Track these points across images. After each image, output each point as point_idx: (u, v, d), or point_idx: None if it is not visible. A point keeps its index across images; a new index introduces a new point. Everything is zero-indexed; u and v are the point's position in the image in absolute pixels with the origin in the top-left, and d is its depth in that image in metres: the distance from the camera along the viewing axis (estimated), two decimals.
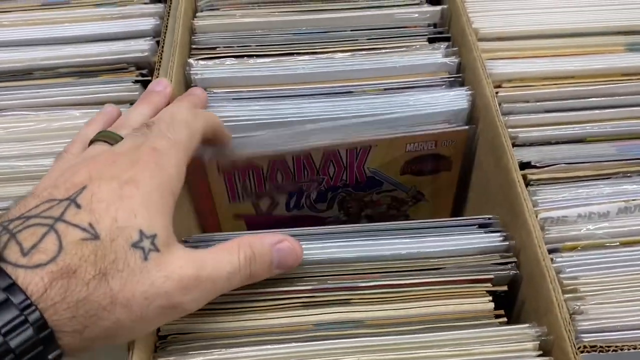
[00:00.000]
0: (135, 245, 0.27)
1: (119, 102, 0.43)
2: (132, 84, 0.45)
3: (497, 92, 0.44)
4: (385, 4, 0.47)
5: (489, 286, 0.34)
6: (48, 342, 0.24)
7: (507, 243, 0.35)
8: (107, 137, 0.32)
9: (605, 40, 0.48)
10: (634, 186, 0.40)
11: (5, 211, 0.28)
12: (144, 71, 0.46)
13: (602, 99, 0.44)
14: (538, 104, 0.44)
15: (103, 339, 0.26)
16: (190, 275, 0.28)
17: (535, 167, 0.41)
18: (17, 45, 0.49)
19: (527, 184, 0.40)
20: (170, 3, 0.49)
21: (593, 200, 0.39)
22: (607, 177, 0.41)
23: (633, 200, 0.39)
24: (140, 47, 0.47)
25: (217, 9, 0.46)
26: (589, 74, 0.46)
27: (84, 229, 0.26)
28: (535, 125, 0.43)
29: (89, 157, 0.31)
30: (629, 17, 0.49)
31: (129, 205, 0.27)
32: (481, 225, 0.36)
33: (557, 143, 0.43)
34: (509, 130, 0.42)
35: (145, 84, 0.45)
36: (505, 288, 0.34)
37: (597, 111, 0.44)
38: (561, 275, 0.36)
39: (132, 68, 0.47)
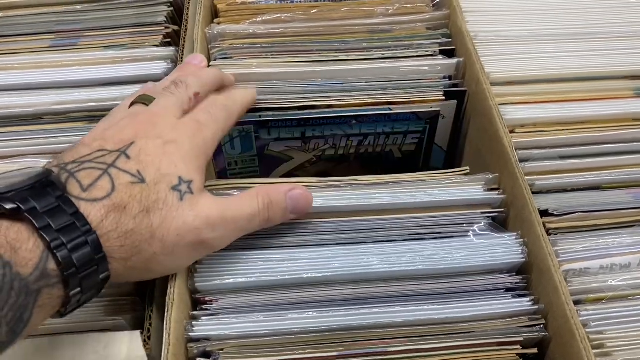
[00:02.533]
0: (174, 188, 0.31)
1: None
2: None
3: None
4: (400, 55, 0.45)
5: (518, 349, 0.32)
6: (101, 263, 0.28)
7: (537, 307, 0.33)
8: (143, 100, 0.35)
9: (613, 85, 0.47)
10: None
11: (57, 156, 0.31)
12: None
13: (615, 145, 0.43)
14: (553, 150, 0.43)
15: (141, 270, 0.30)
16: (216, 215, 0.31)
17: (553, 215, 0.39)
18: (26, 88, 0.47)
19: (547, 233, 0.38)
20: (183, 48, 0.46)
21: (614, 251, 0.38)
22: (625, 225, 0.39)
23: None
24: None
25: (231, 57, 0.44)
26: (601, 120, 0.44)
27: (133, 175, 0.30)
28: (552, 172, 0.42)
29: (131, 115, 0.34)
30: (635, 62, 0.48)
31: (170, 159, 0.31)
32: (508, 289, 0.34)
33: (572, 190, 0.42)
34: (526, 178, 0.40)
35: None
36: (535, 350, 0.32)
37: (611, 158, 0.42)
38: (587, 330, 0.34)
39: None
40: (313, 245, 0.34)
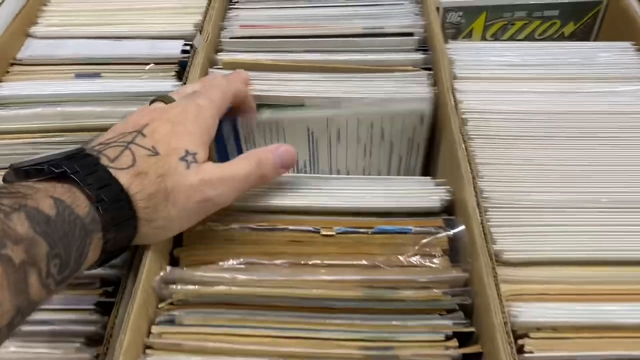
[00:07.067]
0: (182, 158, 0.35)
1: None
2: None
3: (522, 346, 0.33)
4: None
5: None
6: (132, 219, 0.32)
7: None
8: (163, 98, 0.41)
9: None
10: None
11: (86, 143, 0.36)
12: None
13: None
14: None
15: (162, 228, 0.35)
16: (217, 176, 0.36)
17: None
18: None
19: None
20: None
21: None
22: None
23: None
24: None
25: None
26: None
27: (149, 149, 0.35)
28: None
29: (149, 109, 0.39)
30: None
31: (178, 136, 0.36)
32: None
33: None
34: None
35: None
36: None
37: None
38: None
39: None
40: None
